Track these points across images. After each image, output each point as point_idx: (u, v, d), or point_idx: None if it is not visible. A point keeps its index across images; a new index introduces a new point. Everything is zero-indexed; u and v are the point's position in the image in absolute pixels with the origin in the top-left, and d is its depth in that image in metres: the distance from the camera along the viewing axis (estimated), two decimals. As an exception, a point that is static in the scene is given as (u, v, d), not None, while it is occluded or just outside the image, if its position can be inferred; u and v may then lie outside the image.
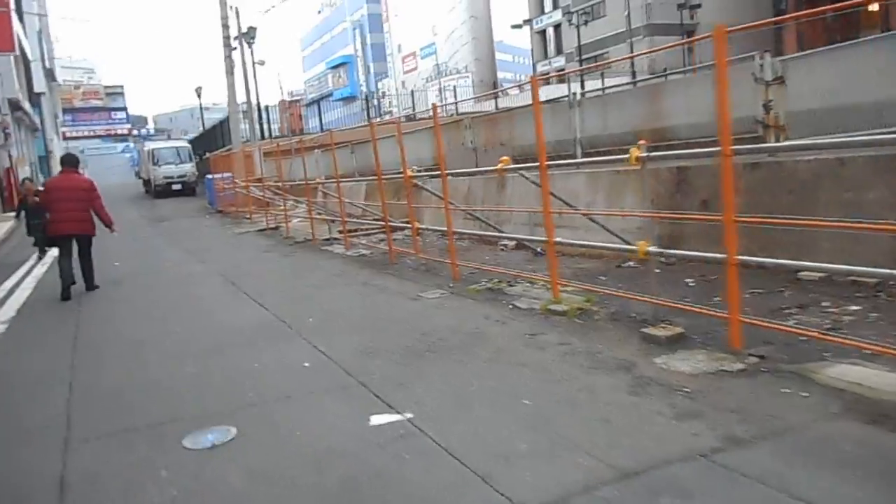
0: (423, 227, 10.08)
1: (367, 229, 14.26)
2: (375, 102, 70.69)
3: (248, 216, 20.28)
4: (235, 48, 23.71)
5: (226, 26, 22.48)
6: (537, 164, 6.28)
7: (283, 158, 25.78)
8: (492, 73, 63.92)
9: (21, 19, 39.93)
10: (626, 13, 37.76)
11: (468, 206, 12.47)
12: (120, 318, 7.43)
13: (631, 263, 7.75)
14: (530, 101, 6.81)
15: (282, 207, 17.45)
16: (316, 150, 22.54)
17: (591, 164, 9.07)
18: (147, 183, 32.62)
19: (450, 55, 66.09)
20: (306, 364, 5.02)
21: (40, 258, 13.93)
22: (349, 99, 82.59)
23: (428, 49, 70.90)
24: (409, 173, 9.34)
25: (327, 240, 13.61)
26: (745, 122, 8.47)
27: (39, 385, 5.27)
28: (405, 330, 5.73)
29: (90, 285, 9.57)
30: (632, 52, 40.99)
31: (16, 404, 4.87)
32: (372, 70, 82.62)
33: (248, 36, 24.84)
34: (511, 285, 7.17)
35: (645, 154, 5.20)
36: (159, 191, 30.13)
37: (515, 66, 79.58)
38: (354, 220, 14.12)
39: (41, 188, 12.40)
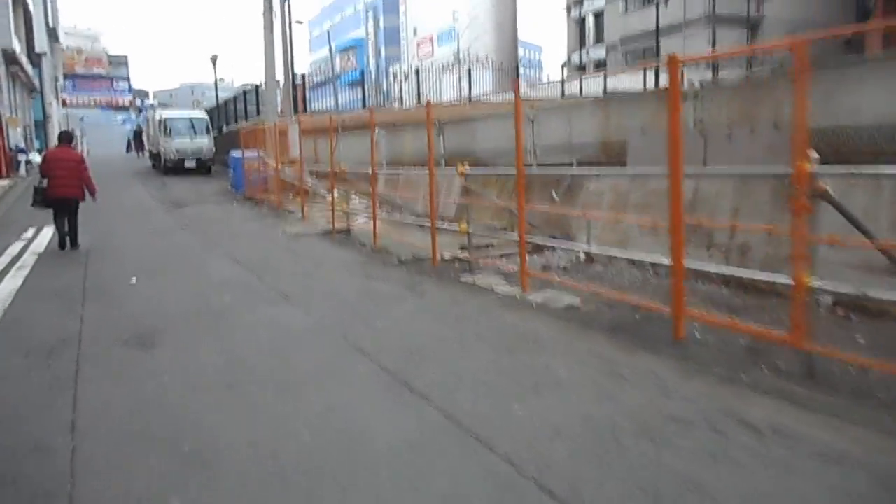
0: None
1: (506, 244, 9.30)
2: (384, 88, 65.13)
3: (292, 209, 15.19)
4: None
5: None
6: None
7: (320, 136, 20.65)
8: (513, 63, 58.65)
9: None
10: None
11: (695, 218, 7.58)
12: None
13: None
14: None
15: (338, 201, 12.44)
16: (378, 129, 17.40)
17: None
18: (156, 157, 27.15)
19: (470, 42, 60.59)
20: None
21: None
22: (357, 83, 76.93)
23: (447, 35, 65.35)
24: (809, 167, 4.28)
25: (450, 260, 8.64)
26: None
27: None
28: None
29: (74, 243, 10.14)
30: (685, 44, 36.18)
31: None
32: (383, 54, 77.05)
33: (291, -12, 19.54)
34: None
35: None
36: (170, 167, 24.72)
37: (526, 61, 74.35)
38: (489, 234, 9.19)
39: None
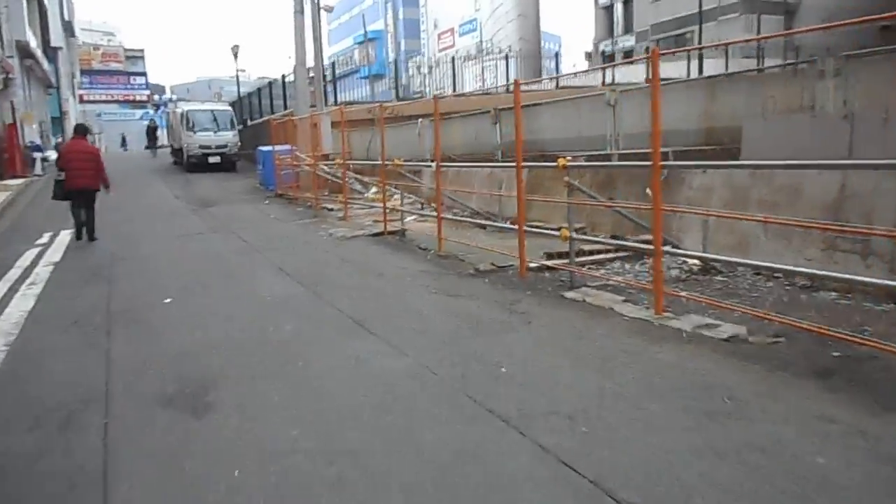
0: None
1: (596, 251, 7.87)
2: (404, 81, 63.48)
3: (331, 207, 13.84)
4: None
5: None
6: None
7: (353, 129, 19.36)
8: (537, 53, 56.92)
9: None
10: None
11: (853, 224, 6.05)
12: None
13: None
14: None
15: (383, 197, 11.05)
16: (420, 120, 15.99)
17: None
18: (178, 152, 25.87)
19: (493, 33, 58.89)
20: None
21: None
22: (376, 77, 75.32)
23: (468, 25, 63.58)
24: None
25: (538, 269, 7.24)
26: None
27: None
28: None
29: (91, 236, 10.17)
30: (719, 30, 34.43)
31: None
32: (403, 47, 75.47)
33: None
34: None
35: None
36: (193, 163, 23.42)
37: (547, 51, 72.39)
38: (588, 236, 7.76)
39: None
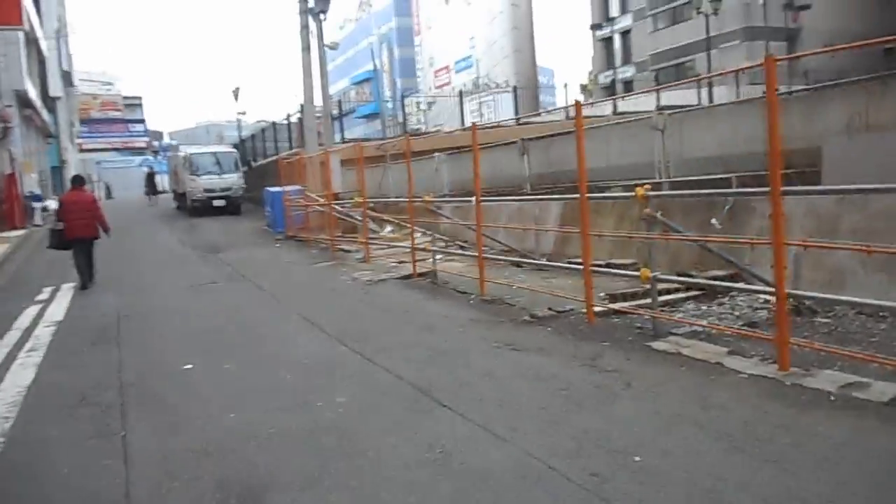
0: None
1: (665, 291, 6.94)
2: (400, 119, 63.21)
3: (348, 249, 12.95)
4: (322, 14, 16.36)
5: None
6: None
7: (365, 167, 18.61)
8: (533, 88, 56.83)
9: (38, 11, 32.55)
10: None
11: None
12: None
13: None
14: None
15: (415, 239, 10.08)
16: (437, 155, 15.19)
17: None
18: (181, 197, 25.02)
19: (488, 69, 58.93)
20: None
21: None
22: (373, 116, 75.23)
23: (464, 62, 63.70)
24: None
25: (605, 314, 6.33)
26: None
27: None
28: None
29: (91, 278, 10.20)
30: (721, 58, 34.09)
31: None
32: (399, 85, 75.56)
33: (324, 2, 17.39)
34: None
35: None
36: (197, 207, 22.55)
37: (545, 87, 72.32)
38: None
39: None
